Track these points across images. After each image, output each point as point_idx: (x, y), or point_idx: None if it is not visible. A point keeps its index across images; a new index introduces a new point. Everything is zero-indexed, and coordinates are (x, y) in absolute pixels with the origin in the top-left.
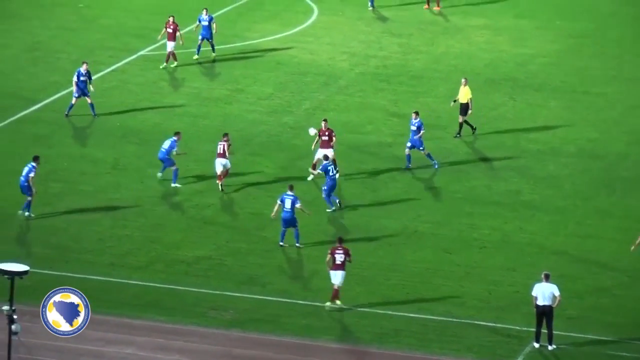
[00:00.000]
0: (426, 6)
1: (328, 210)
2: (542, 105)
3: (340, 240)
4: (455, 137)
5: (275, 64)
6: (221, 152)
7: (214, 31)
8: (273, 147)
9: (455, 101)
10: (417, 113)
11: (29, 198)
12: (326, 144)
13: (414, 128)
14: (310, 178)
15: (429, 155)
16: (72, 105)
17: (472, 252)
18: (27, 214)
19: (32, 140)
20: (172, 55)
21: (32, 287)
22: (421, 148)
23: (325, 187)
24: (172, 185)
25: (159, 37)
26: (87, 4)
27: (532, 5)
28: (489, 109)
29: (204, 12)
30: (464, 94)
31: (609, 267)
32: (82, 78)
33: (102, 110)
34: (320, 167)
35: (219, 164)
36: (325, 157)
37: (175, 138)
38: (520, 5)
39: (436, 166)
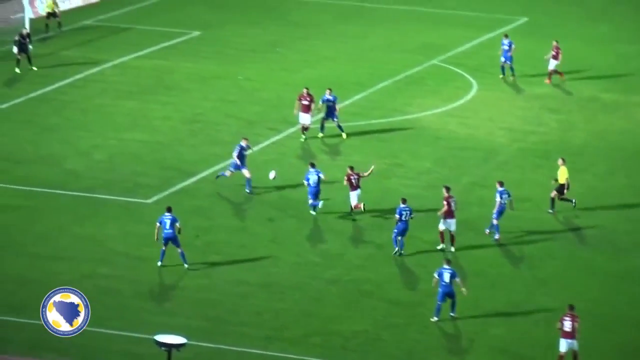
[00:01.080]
0: (547, 80)
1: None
2: None
3: (571, 308)
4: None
5: (434, 139)
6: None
7: (336, 112)
8: (431, 221)
9: (555, 181)
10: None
11: (179, 249)
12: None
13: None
14: None
15: None
16: (223, 174)
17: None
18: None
19: (191, 212)
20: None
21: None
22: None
23: (396, 230)
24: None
25: (295, 110)
26: (247, 77)
27: None
28: None
29: (328, 92)
30: (562, 174)
31: None
32: (244, 152)
33: (261, 183)
34: (397, 211)
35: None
36: (403, 201)
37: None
38: None
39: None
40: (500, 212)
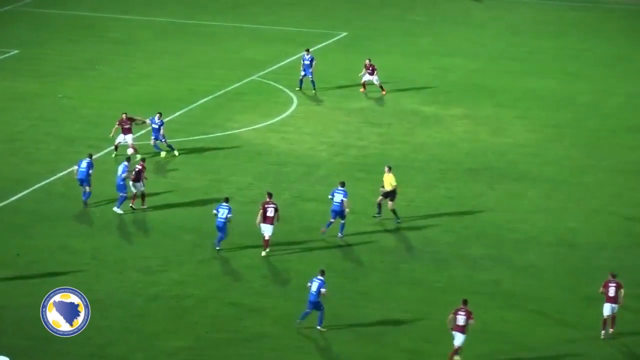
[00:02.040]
0: (362, 89)
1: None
2: (522, 195)
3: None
4: (375, 216)
5: (255, 154)
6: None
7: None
8: (250, 236)
9: (382, 187)
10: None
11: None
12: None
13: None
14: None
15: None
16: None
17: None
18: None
19: (11, 230)
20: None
21: None
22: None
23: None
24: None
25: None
26: (67, 95)
27: (511, 95)
28: (469, 198)
29: (157, 116)
30: (387, 181)
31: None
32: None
33: (77, 203)
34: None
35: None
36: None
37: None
38: (499, 95)
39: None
40: (335, 212)
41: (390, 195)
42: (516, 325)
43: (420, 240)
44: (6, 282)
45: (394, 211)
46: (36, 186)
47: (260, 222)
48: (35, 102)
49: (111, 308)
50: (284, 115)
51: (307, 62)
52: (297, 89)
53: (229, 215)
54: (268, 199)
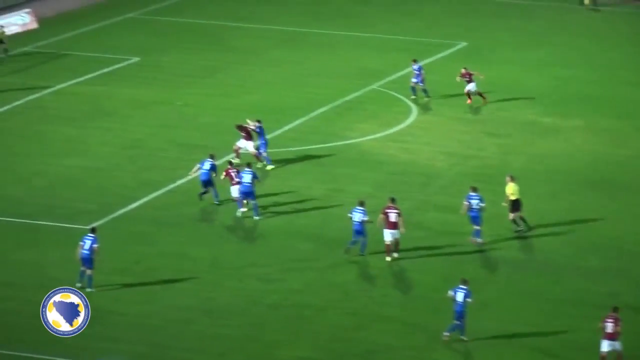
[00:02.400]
0: (469, 101)
1: None
2: None
3: (615, 310)
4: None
5: (375, 164)
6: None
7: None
8: (369, 245)
9: (506, 203)
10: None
11: (90, 271)
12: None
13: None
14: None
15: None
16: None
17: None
18: (88, 289)
19: (131, 237)
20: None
21: None
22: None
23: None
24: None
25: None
26: (186, 103)
27: (631, 107)
28: (588, 210)
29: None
30: (510, 191)
31: None
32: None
33: (202, 209)
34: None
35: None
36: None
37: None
38: (619, 106)
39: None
40: (474, 218)
41: (516, 205)
42: (636, 336)
43: (538, 251)
44: (126, 289)
45: (514, 221)
46: (156, 193)
47: (383, 228)
48: (155, 109)
49: (230, 316)
50: (403, 125)
51: (416, 72)
52: (412, 97)
53: (364, 218)
54: (390, 204)
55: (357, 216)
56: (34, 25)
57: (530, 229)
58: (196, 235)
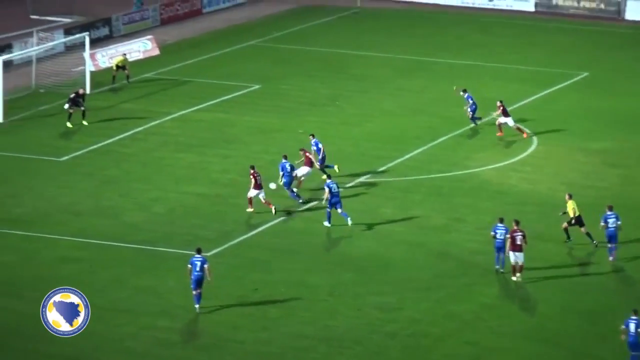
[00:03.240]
0: (499, 133)
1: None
2: None
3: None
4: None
5: (495, 193)
6: None
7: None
8: (489, 276)
9: (564, 213)
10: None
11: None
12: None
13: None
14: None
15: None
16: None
17: None
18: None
19: (250, 265)
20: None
21: None
22: None
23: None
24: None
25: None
26: (307, 130)
27: None
28: None
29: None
30: (570, 208)
31: None
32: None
33: (319, 238)
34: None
35: None
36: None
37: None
38: None
39: None
40: (611, 236)
41: (579, 220)
42: None
43: None
44: (244, 317)
45: (588, 234)
46: (275, 221)
47: (509, 250)
48: (276, 136)
49: (348, 344)
50: (523, 155)
51: (469, 101)
52: (472, 125)
53: (507, 236)
54: (515, 227)
55: (501, 233)
56: (156, 52)
57: (596, 243)
58: (314, 262)
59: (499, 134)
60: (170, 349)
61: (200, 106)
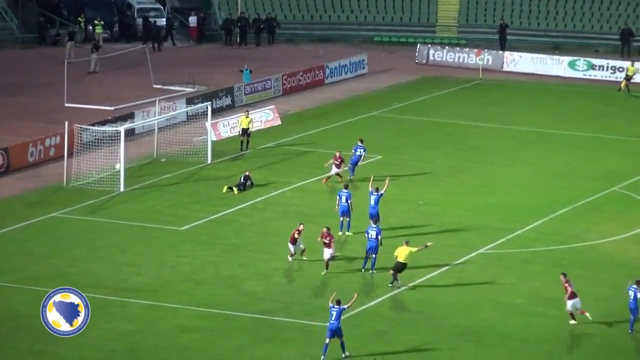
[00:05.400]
0: None
1: None
2: None
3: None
4: None
5: (615, 266)
6: None
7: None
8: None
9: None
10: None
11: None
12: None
13: None
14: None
15: None
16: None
17: None
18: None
19: (370, 335)
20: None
21: None
22: None
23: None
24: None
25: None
26: (427, 202)
27: None
28: None
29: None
30: None
31: None
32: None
33: (438, 309)
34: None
35: None
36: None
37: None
38: None
39: None
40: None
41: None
42: None
43: None
44: None
45: None
46: (395, 292)
47: None
48: (396, 207)
49: None
50: None
51: None
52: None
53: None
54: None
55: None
56: (278, 122)
57: None
58: (433, 333)
59: None
60: None
61: (321, 176)
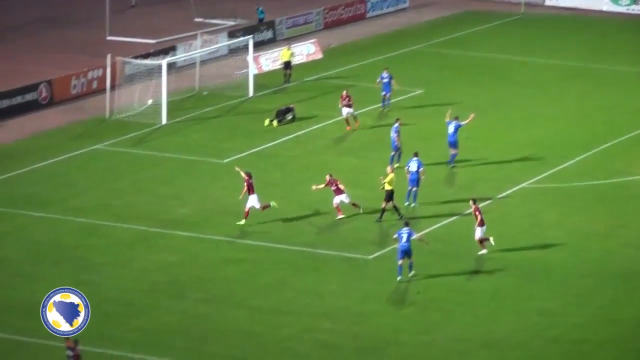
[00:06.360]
0: None
1: None
2: None
3: None
4: None
5: None
6: None
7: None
8: None
9: None
10: None
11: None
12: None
13: None
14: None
15: None
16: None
17: None
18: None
19: (414, 268)
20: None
21: None
22: None
23: None
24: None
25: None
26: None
27: None
28: None
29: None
30: None
31: None
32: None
33: (476, 242)
34: None
35: None
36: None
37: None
38: None
39: None
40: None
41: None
42: None
43: None
44: (405, 320)
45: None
46: (437, 225)
47: None
48: (439, 142)
49: (509, 349)
50: None
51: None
52: None
53: None
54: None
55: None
56: (319, 56)
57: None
58: (476, 267)
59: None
60: (332, 350)
61: (363, 110)
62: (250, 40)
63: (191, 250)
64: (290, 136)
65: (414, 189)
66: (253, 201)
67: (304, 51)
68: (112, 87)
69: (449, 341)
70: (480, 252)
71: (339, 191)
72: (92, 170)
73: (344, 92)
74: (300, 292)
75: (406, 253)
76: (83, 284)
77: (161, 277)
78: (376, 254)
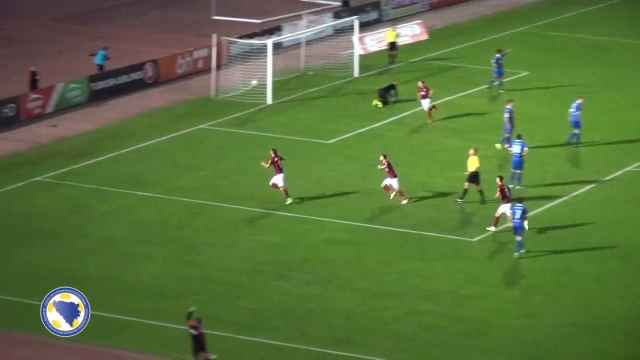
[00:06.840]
0: None
1: None
2: None
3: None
4: None
5: None
6: None
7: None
8: None
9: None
10: None
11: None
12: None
13: None
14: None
15: None
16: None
17: None
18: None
19: (512, 251)
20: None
21: None
22: None
23: None
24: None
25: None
26: None
27: None
28: None
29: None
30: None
31: None
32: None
33: (585, 226)
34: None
35: None
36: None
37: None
38: None
39: None
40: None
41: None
42: None
43: None
44: (509, 303)
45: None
46: (541, 209)
47: None
48: (543, 123)
49: (613, 334)
50: None
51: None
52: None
53: None
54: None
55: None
56: (424, 37)
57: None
58: (580, 250)
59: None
60: (435, 333)
61: (468, 92)
62: (355, 21)
63: (295, 231)
64: (394, 117)
65: (518, 171)
66: (278, 179)
67: (409, 32)
68: (218, 66)
69: (552, 325)
70: (488, 227)
71: (391, 174)
72: (196, 150)
73: (420, 83)
74: (404, 274)
75: (517, 229)
76: (188, 265)
77: (265, 257)
78: (480, 237)
